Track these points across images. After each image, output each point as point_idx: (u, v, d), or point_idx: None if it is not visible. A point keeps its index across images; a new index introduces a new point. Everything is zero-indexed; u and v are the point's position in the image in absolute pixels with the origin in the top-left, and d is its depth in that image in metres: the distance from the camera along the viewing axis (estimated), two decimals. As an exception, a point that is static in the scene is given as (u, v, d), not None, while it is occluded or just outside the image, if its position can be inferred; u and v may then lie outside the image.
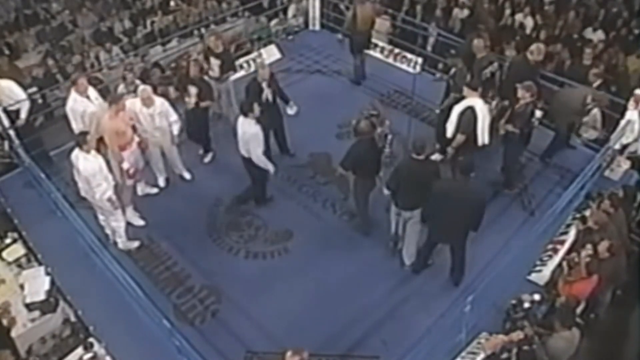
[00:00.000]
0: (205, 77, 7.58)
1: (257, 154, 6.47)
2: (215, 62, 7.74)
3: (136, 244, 6.62)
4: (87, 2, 12.05)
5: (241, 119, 6.44)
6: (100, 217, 6.48)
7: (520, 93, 6.62)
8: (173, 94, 7.42)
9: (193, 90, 7.12)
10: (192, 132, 7.53)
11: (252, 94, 7.02)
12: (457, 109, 6.54)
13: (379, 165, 6.40)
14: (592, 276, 5.41)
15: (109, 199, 6.06)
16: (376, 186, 6.40)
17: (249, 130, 6.35)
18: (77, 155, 5.93)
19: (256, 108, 6.33)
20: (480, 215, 5.59)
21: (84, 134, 6.03)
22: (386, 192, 6.05)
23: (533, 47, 7.23)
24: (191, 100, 7.14)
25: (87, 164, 5.88)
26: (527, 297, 5.55)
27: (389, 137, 6.86)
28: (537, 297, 5.56)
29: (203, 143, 7.75)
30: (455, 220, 5.60)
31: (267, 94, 7.08)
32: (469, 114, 6.45)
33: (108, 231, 6.55)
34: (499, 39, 10.12)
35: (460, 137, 6.56)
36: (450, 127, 6.64)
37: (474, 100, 6.48)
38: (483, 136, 6.57)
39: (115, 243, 6.52)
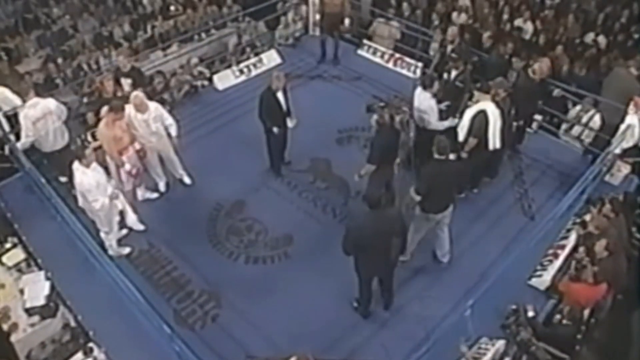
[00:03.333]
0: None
1: (434, 122, 6.98)
2: (126, 82, 7.62)
3: (127, 250, 6.61)
4: (88, 7, 12.07)
5: (419, 90, 6.91)
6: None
7: (493, 91, 6.70)
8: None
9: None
10: None
11: (268, 103, 6.97)
12: (469, 113, 6.60)
13: (397, 153, 6.58)
14: (601, 284, 5.40)
15: (105, 210, 6.08)
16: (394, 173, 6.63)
17: (424, 102, 6.88)
18: (77, 168, 5.92)
19: (436, 84, 6.87)
20: (404, 240, 5.54)
21: (83, 147, 6.02)
22: (417, 198, 5.87)
23: (535, 66, 7.17)
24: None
25: (84, 178, 5.87)
26: (530, 306, 5.54)
27: (411, 121, 6.90)
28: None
29: None
30: (381, 253, 5.41)
31: (283, 103, 7.06)
32: (481, 118, 6.49)
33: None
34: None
35: (472, 141, 6.61)
36: (462, 131, 6.69)
37: (486, 104, 6.53)
38: (494, 140, 6.60)
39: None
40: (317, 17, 9.74)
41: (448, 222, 6.14)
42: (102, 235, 6.37)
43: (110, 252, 6.44)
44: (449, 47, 7.86)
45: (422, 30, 10.12)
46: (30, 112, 6.70)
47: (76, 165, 5.93)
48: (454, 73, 7.29)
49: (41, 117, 6.72)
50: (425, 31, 10.07)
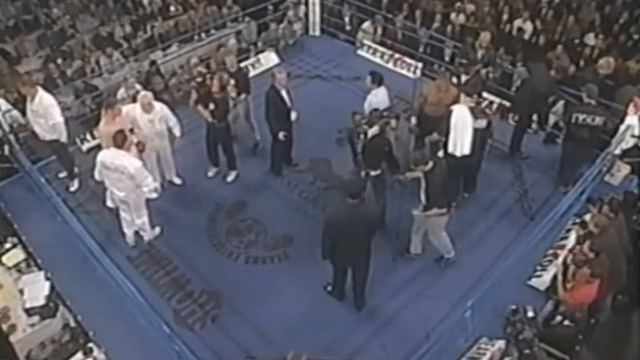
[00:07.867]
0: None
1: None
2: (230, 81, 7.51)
3: (157, 230, 6.75)
4: (88, 7, 12.07)
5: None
6: (126, 217, 6.47)
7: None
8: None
9: (211, 106, 6.99)
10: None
11: (274, 102, 6.95)
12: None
13: (393, 164, 6.50)
14: (596, 279, 5.40)
15: (155, 189, 6.22)
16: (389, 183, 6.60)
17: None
18: (115, 157, 5.95)
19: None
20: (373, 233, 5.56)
21: (122, 132, 6.06)
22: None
23: (602, 61, 7.28)
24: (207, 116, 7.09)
25: (132, 160, 5.96)
26: (530, 307, 5.53)
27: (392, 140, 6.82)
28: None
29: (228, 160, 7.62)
30: (357, 242, 5.48)
31: (287, 100, 7.03)
32: (447, 116, 6.43)
33: (126, 230, 6.57)
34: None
35: (435, 136, 6.64)
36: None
37: (459, 107, 6.46)
38: (455, 144, 6.44)
39: (141, 237, 6.66)
40: (413, 120, 7.43)
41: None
42: (143, 220, 6.46)
43: (146, 238, 6.60)
44: (480, 52, 7.65)
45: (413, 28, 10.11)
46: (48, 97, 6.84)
47: (113, 152, 5.98)
48: (463, 78, 7.23)
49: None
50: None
